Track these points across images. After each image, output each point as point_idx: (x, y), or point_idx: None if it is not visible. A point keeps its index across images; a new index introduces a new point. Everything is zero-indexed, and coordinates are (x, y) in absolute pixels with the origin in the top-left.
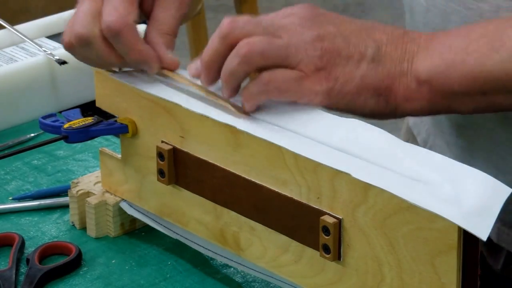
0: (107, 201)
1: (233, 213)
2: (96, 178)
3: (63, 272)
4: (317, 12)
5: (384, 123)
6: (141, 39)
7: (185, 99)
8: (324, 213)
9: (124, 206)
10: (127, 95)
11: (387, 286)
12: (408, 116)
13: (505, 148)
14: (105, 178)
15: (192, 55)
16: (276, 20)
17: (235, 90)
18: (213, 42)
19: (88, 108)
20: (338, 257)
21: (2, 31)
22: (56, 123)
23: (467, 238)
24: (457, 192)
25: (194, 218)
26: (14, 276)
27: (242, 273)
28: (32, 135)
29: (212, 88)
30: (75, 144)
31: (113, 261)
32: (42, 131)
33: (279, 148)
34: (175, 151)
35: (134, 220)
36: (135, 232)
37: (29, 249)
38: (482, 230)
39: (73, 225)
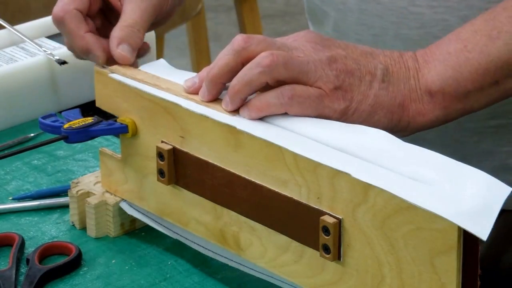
0: (107, 201)
1: (233, 213)
2: (96, 178)
3: (63, 272)
4: (323, 37)
5: None
6: (86, 28)
7: (185, 99)
8: (324, 213)
9: (124, 206)
10: (127, 95)
11: (387, 286)
12: (420, 130)
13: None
14: (105, 178)
15: (192, 55)
16: (287, 42)
17: (242, 102)
18: (225, 56)
19: (88, 108)
20: (338, 257)
21: (2, 31)
22: (56, 123)
23: (467, 238)
24: (457, 192)
25: (194, 218)
26: (14, 276)
27: (242, 273)
28: (32, 135)
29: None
30: (75, 144)
31: (113, 261)
32: (42, 131)
33: (279, 148)
34: (175, 151)
35: (134, 220)
36: (135, 232)
37: (29, 249)
38: (482, 230)
39: (73, 225)
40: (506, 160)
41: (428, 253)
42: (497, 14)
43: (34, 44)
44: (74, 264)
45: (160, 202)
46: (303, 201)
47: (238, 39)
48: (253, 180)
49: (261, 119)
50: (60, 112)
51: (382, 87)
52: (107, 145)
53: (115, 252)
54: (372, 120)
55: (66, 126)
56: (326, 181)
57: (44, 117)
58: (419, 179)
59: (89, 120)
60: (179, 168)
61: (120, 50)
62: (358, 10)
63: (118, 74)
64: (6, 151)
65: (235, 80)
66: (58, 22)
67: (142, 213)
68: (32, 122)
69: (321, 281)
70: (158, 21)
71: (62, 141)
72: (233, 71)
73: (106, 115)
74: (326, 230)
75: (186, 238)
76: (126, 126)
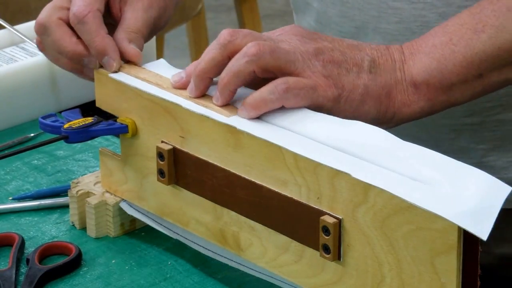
0: (107, 201)
1: (233, 213)
2: (96, 178)
3: (63, 272)
4: (309, 31)
5: None
6: (105, 29)
7: (185, 99)
8: (324, 213)
9: (124, 206)
10: (127, 95)
11: (387, 286)
12: (405, 122)
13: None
14: (105, 178)
15: (192, 55)
16: (273, 36)
17: (232, 95)
18: (211, 51)
19: (88, 108)
20: (338, 257)
21: (2, 31)
22: (56, 123)
23: (467, 238)
24: (457, 192)
25: (194, 218)
26: (14, 276)
27: (242, 273)
28: (32, 135)
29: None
30: (75, 144)
31: (113, 261)
32: (42, 131)
33: (279, 148)
34: (175, 151)
35: (134, 220)
36: (135, 232)
37: (29, 249)
38: (482, 229)
39: (73, 225)
40: (483, 158)
41: (428, 253)
42: (483, 8)
43: (34, 44)
44: (74, 264)
45: (160, 202)
46: (303, 201)
47: (224, 33)
48: (253, 180)
49: (261, 118)
50: (60, 112)
51: (370, 78)
52: (107, 145)
53: (115, 252)
54: (362, 109)
55: (66, 126)
56: (326, 181)
57: (44, 117)
58: (419, 179)
59: (89, 120)
60: (179, 168)
61: (133, 47)
62: (340, 3)
63: (121, 72)
64: (6, 151)
65: (223, 73)
66: (80, 19)
67: (142, 213)
68: (32, 122)
69: (321, 281)
70: (150, 37)
71: (62, 141)
72: (220, 65)
73: (106, 115)
74: (326, 230)
75: (186, 238)
76: (126, 126)
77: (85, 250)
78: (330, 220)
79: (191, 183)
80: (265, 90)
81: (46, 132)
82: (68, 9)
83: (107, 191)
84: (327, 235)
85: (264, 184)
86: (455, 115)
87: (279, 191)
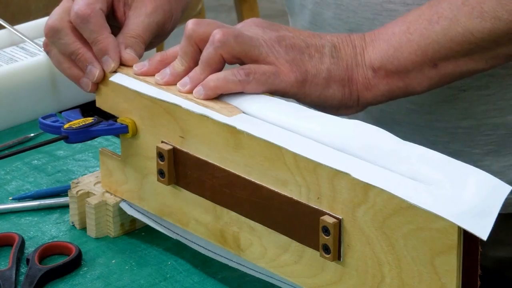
0: (107, 201)
1: (233, 213)
2: (96, 178)
3: (63, 272)
4: (270, 22)
5: None
6: (108, 28)
7: (185, 99)
8: (324, 213)
9: (124, 206)
10: (127, 95)
11: (387, 286)
12: (370, 105)
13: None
14: (105, 178)
15: None
16: (236, 26)
17: (199, 82)
18: (181, 45)
19: (88, 108)
20: (338, 257)
21: (2, 31)
22: (56, 123)
23: (467, 238)
24: (457, 192)
25: (194, 218)
26: (14, 276)
27: (242, 273)
28: (32, 135)
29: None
30: (75, 144)
31: (113, 261)
32: (42, 131)
33: (279, 148)
34: (175, 151)
35: (134, 220)
36: (135, 232)
37: (29, 249)
38: (482, 229)
39: (73, 225)
40: (478, 163)
41: (428, 253)
42: (441, 1)
43: (34, 44)
44: (74, 264)
45: (160, 202)
46: (303, 201)
47: (188, 25)
48: (253, 180)
49: (261, 119)
50: (60, 112)
51: (333, 62)
52: (107, 145)
53: (115, 252)
54: (327, 93)
55: (66, 126)
56: (326, 181)
57: (44, 117)
58: (419, 179)
59: (89, 120)
60: (179, 168)
61: (129, 52)
62: (334, 5)
63: (121, 73)
64: (6, 151)
65: (197, 67)
66: (83, 18)
67: (142, 213)
68: (32, 122)
69: (321, 281)
70: (156, 41)
71: (62, 141)
72: (193, 56)
73: (106, 115)
74: (326, 230)
75: (186, 238)
76: (126, 126)
77: (85, 250)
78: (330, 220)
79: (191, 183)
80: (227, 72)
81: (46, 132)
82: None
83: (107, 191)
84: (327, 235)
85: (264, 184)
86: (450, 118)
87: (279, 191)
